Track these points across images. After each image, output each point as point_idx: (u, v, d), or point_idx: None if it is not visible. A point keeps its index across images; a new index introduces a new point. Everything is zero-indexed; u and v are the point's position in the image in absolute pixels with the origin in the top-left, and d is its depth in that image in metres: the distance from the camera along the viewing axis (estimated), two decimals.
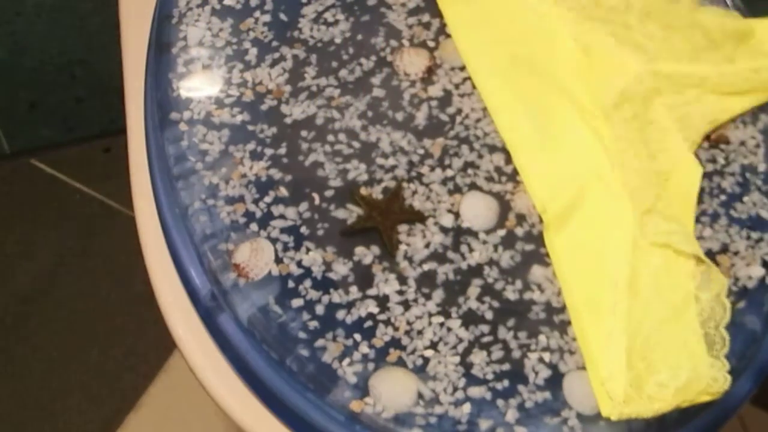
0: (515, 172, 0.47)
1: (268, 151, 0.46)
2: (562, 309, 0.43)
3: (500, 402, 0.41)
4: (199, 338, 0.44)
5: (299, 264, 0.43)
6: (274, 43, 0.50)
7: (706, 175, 0.48)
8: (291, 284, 0.43)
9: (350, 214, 0.45)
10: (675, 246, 0.42)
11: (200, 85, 0.48)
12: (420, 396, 0.41)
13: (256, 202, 0.45)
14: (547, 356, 0.42)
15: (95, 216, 0.94)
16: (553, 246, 0.44)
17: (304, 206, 0.45)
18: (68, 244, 0.92)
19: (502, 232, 0.45)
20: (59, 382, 0.85)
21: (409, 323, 0.42)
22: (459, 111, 0.48)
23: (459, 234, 0.45)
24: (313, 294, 0.42)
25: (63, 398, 0.84)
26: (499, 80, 0.48)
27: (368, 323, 0.42)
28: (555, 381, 0.41)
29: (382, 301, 0.42)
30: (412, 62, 0.50)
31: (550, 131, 0.46)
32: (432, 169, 0.47)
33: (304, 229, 0.44)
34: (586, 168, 0.45)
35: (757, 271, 0.45)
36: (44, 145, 0.97)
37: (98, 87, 0.92)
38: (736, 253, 0.45)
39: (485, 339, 0.42)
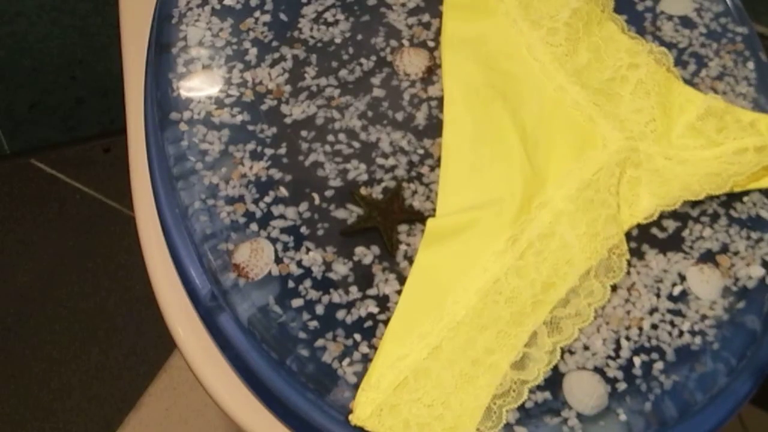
0: None
1: (268, 151, 0.46)
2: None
3: None
4: (199, 338, 0.44)
5: (299, 264, 0.43)
6: (274, 43, 0.50)
7: None
8: (291, 284, 0.43)
9: (350, 214, 0.45)
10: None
11: (200, 85, 0.48)
12: None
13: (256, 202, 0.45)
14: None
15: (95, 216, 0.94)
16: (418, 256, 0.43)
17: (304, 206, 0.45)
18: (68, 244, 0.92)
19: None
20: (59, 382, 0.84)
21: None
22: None
23: None
24: (313, 294, 0.42)
25: (63, 398, 0.84)
26: (468, 98, 0.48)
27: (368, 323, 0.42)
28: (555, 381, 0.41)
29: (382, 301, 0.42)
30: (412, 62, 0.50)
31: (483, 160, 0.46)
32: (432, 169, 0.47)
33: (304, 229, 0.44)
34: (491, 204, 0.44)
35: (757, 271, 0.45)
36: (44, 145, 0.97)
37: (98, 87, 0.92)
38: (736, 253, 0.45)
39: None
